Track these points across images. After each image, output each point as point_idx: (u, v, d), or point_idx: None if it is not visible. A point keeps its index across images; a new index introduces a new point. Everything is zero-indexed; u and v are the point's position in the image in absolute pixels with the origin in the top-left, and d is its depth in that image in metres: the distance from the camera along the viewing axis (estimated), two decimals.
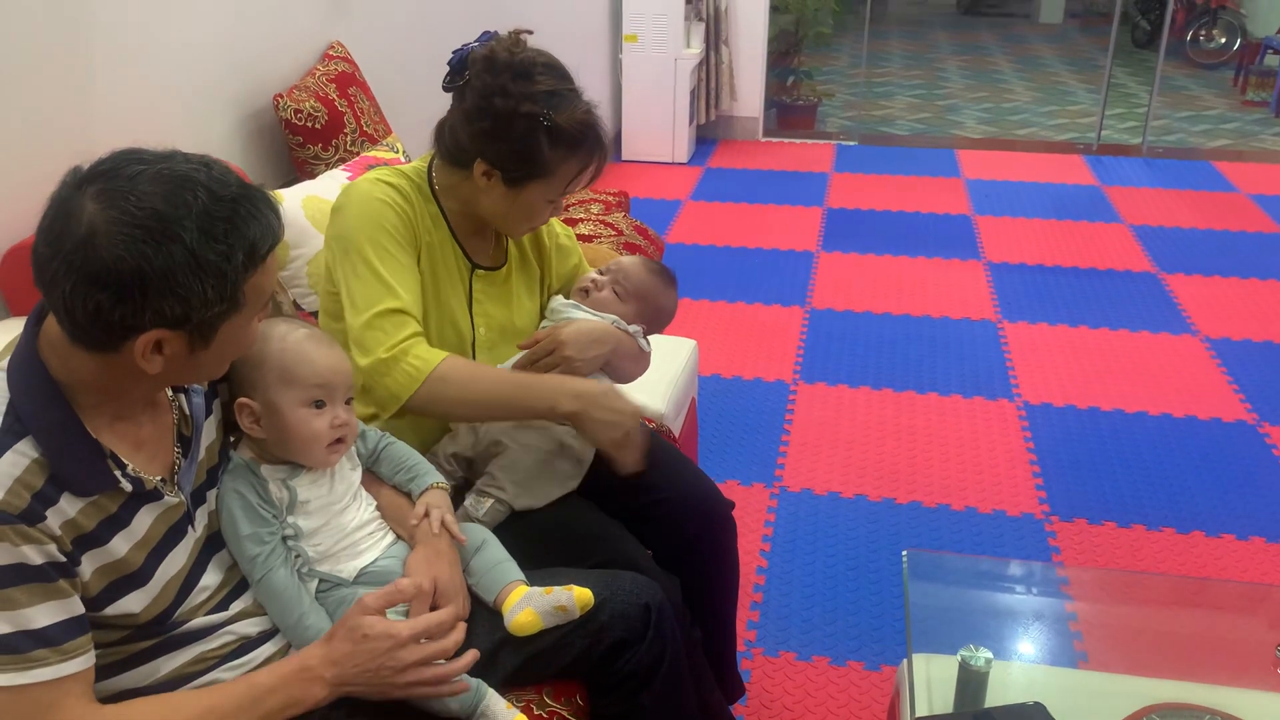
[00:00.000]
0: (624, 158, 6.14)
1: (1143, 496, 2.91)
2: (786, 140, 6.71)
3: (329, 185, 2.33)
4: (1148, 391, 3.49)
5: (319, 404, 1.32)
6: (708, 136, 6.65)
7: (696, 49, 6.04)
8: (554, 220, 1.87)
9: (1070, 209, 5.37)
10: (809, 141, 6.69)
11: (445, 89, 1.64)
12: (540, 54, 1.61)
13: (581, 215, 3.37)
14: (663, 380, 2.36)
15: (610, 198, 3.58)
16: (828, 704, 2.18)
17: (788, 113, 6.96)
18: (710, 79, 6.33)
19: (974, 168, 6.12)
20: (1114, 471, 3.03)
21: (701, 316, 4.05)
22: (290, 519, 1.33)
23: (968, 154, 6.43)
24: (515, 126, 1.56)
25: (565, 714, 1.44)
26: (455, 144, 1.63)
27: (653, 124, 6.04)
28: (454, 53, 1.62)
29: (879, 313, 4.12)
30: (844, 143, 6.69)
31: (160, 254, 1.02)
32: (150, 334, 1.06)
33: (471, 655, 1.31)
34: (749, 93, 6.57)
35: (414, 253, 1.62)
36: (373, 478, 1.47)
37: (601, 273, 1.84)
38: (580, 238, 3.18)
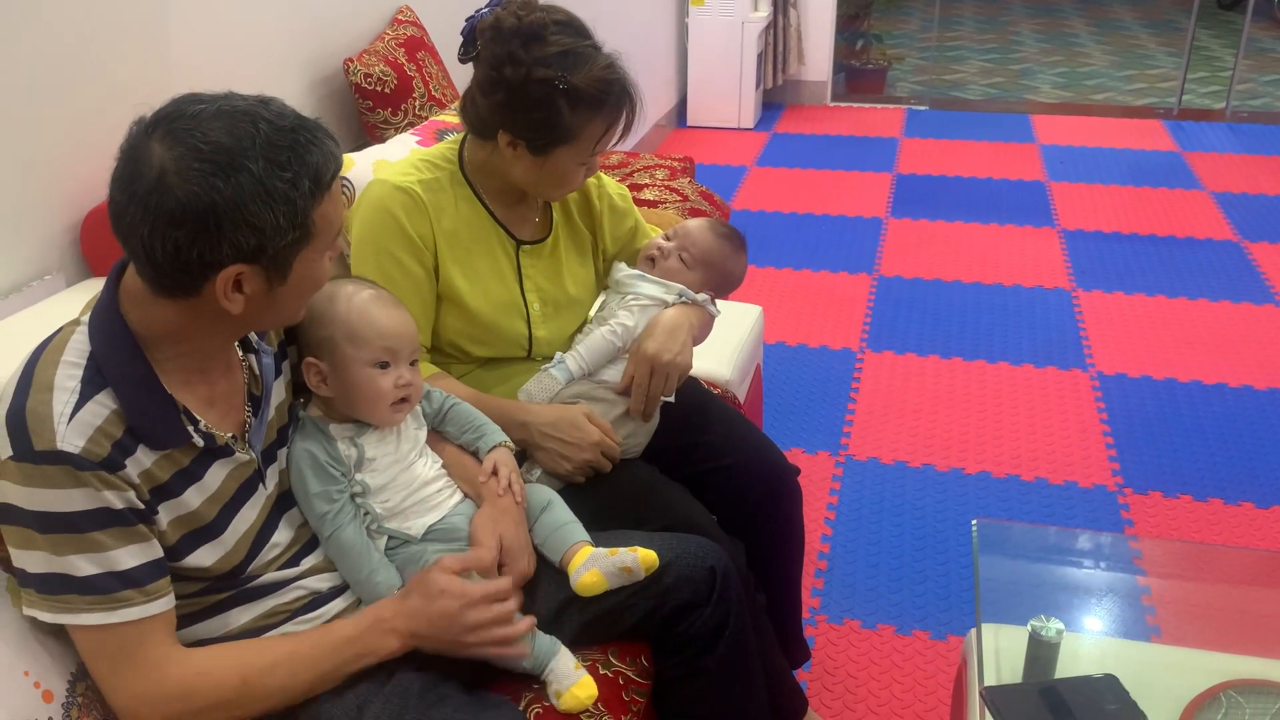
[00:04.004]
0: (689, 123, 6.08)
1: (1221, 470, 2.83)
2: (855, 105, 6.59)
3: (398, 149, 2.34)
4: (1228, 362, 3.39)
5: (384, 364, 1.33)
6: (775, 101, 6.56)
7: (764, 12, 5.95)
8: (607, 181, 1.84)
9: (1149, 175, 5.21)
10: (878, 106, 6.57)
11: (460, 61, 1.60)
12: (553, 10, 1.55)
13: (646, 181, 3.35)
14: (727, 346, 2.35)
15: (675, 163, 3.55)
16: (892, 672, 2.17)
17: (857, 77, 6.84)
18: (778, 42, 6.24)
19: (1049, 133, 5.97)
20: (1191, 444, 2.95)
21: (768, 283, 4.01)
22: (358, 476, 1.34)
23: (1042, 119, 6.27)
24: (531, 95, 1.51)
25: (630, 674, 1.45)
26: (477, 117, 1.60)
27: (719, 89, 5.97)
28: (465, 21, 1.57)
29: (949, 280, 4.05)
30: (914, 107, 6.56)
31: (230, 185, 1.04)
32: (229, 269, 1.08)
33: (528, 621, 1.33)
34: (817, 57, 6.46)
35: (426, 258, 1.61)
36: (437, 437, 1.49)
37: (667, 238, 1.81)
38: (645, 203, 3.17)
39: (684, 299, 1.76)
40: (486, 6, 1.58)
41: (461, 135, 1.68)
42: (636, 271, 1.78)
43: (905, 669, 2.18)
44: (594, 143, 1.58)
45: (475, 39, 1.57)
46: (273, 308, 1.17)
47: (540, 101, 1.52)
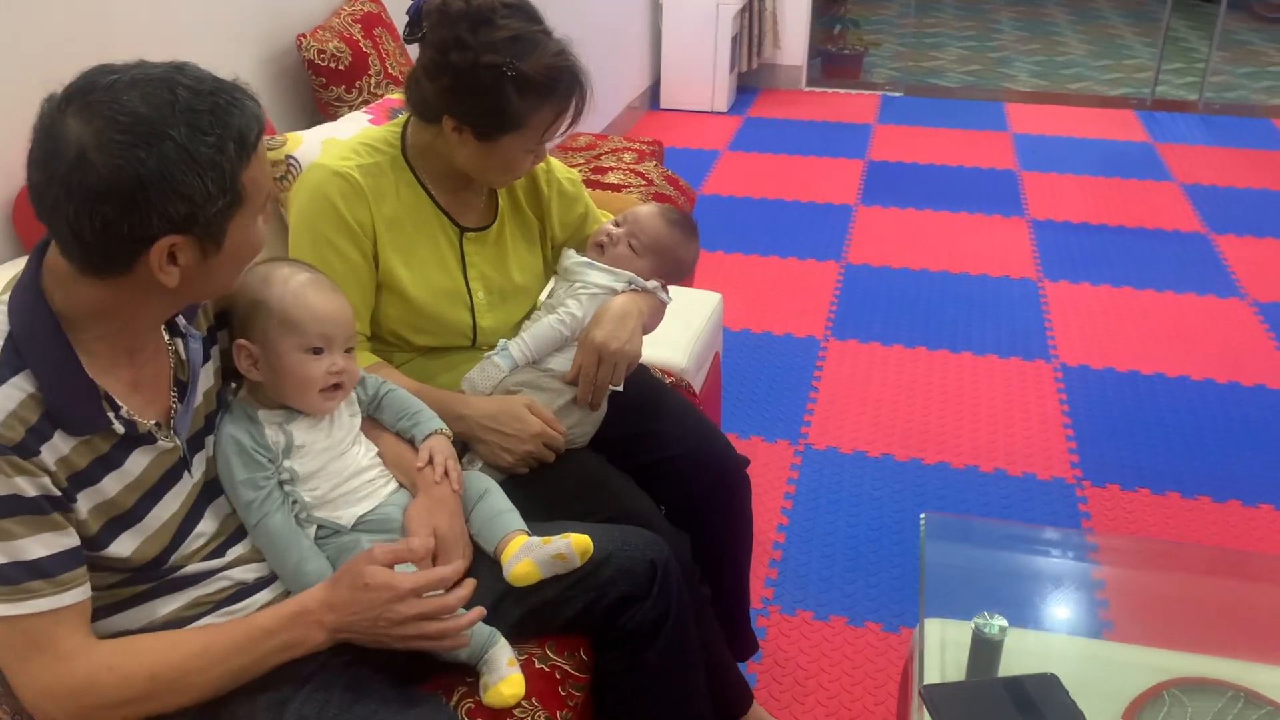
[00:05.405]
0: (662, 106, 6.04)
1: (1179, 463, 2.83)
2: (830, 90, 6.56)
3: (349, 127, 2.29)
4: (1191, 355, 3.39)
5: (317, 350, 1.30)
6: (749, 85, 6.52)
7: None
8: (556, 165, 1.80)
9: (1120, 166, 5.21)
10: (853, 92, 6.54)
11: (405, 42, 1.56)
12: None
13: (612, 164, 3.31)
14: (684, 334, 2.32)
15: (644, 146, 3.51)
16: (842, 664, 2.15)
17: (833, 62, 6.80)
18: (753, 25, 6.20)
19: (1022, 122, 5.96)
20: (1151, 437, 2.95)
21: (734, 270, 3.98)
22: (286, 463, 1.31)
23: (1016, 108, 6.26)
24: (478, 80, 1.47)
25: (568, 668, 1.42)
26: (422, 100, 1.55)
27: (692, 71, 5.93)
28: (412, 1, 1.54)
29: (916, 269, 4.03)
30: (889, 94, 6.53)
31: (154, 156, 1.01)
32: (162, 242, 1.05)
33: (476, 613, 1.30)
34: (793, 41, 6.42)
35: (365, 245, 1.57)
36: (374, 425, 1.45)
37: (617, 224, 1.77)
38: (609, 187, 3.14)
39: (633, 286, 1.73)
40: None
41: (405, 117, 1.64)
42: (585, 259, 1.75)
43: (856, 661, 2.16)
44: (542, 131, 1.55)
45: (422, 20, 1.52)
46: (208, 277, 1.14)
47: (487, 88, 1.48)
